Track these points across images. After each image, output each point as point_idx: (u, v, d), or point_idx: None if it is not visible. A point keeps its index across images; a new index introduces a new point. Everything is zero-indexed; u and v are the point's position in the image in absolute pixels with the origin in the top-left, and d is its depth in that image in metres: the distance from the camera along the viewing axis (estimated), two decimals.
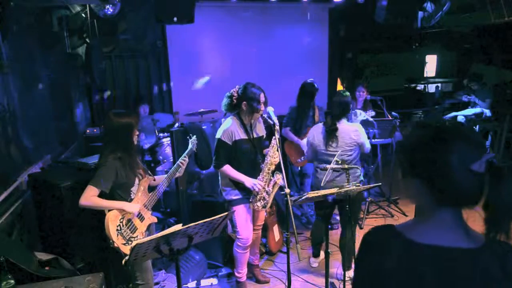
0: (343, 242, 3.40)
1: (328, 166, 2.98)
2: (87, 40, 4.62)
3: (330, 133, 3.23)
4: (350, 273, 3.30)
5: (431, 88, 8.59)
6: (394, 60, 8.19)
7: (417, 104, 7.99)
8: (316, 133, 3.36)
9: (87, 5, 4.28)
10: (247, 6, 6.24)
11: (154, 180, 2.79)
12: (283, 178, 2.77)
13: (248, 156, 3.06)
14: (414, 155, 1.02)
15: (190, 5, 4.16)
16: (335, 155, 3.14)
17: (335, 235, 3.67)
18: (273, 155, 2.97)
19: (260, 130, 3.20)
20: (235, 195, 3.09)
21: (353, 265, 3.34)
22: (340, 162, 2.97)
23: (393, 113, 5.07)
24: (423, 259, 0.97)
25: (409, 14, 4.98)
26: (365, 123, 4.33)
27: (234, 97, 3.01)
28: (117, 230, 2.42)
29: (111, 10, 4.24)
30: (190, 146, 2.91)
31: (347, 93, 3.34)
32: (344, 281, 2.96)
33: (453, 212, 1.01)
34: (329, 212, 3.55)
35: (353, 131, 3.21)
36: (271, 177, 3.04)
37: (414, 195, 1.05)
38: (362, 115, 3.46)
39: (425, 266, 0.97)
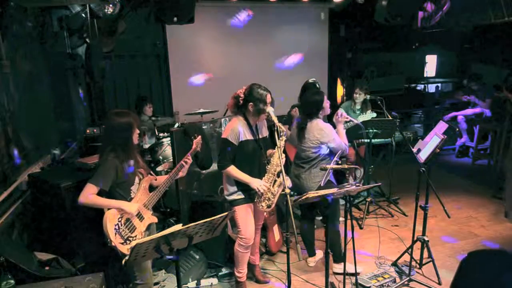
0: (326, 239, 3.43)
1: (328, 166, 2.98)
2: (87, 40, 4.61)
3: (299, 130, 3.45)
4: (348, 270, 3.28)
5: (431, 88, 8.58)
6: (394, 60, 8.18)
7: (417, 104, 7.99)
8: (293, 128, 3.61)
9: (87, 5, 4.27)
10: (247, 6, 6.24)
11: (156, 179, 2.79)
12: (284, 179, 2.76)
13: (253, 156, 3.05)
14: None
15: (190, 5, 4.16)
16: (304, 149, 3.39)
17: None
18: (278, 156, 2.95)
19: (265, 131, 3.21)
20: (237, 195, 3.09)
21: (350, 265, 3.33)
22: (339, 162, 2.97)
23: (393, 113, 5.06)
24: None
25: (409, 14, 4.97)
26: (353, 127, 4.25)
27: (240, 98, 3.00)
28: (115, 229, 2.42)
29: (111, 10, 4.24)
30: (194, 146, 2.90)
31: (321, 92, 3.51)
32: (344, 281, 2.96)
33: None
34: (310, 213, 3.70)
35: (317, 130, 3.32)
36: (276, 178, 3.04)
37: None
38: (343, 116, 3.39)
39: None
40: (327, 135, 3.30)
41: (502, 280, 0.83)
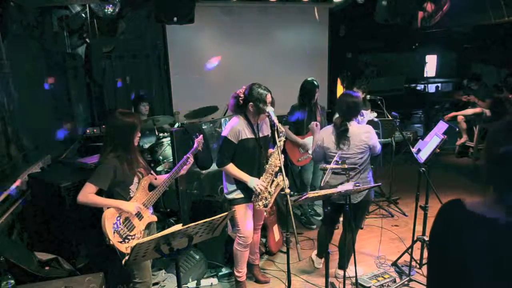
0: (342, 243, 3.40)
1: (327, 166, 2.97)
2: (87, 40, 4.62)
3: (341, 135, 3.12)
4: (349, 272, 3.30)
5: (431, 88, 8.60)
6: (394, 60, 8.19)
7: (417, 104, 8.00)
8: (325, 135, 3.23)
9: (87, 5, 4.28)
10: (247, 6, 6.24)
11: (156, 179, 2.79)
12: (283, 179, 2.76)
13: (253, 155, 3.06)
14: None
15: (190, 5, 4.16)
16: (347, 157, 3.07)
17: (336, 234, 3.67)
18: (277, 156, 2.96)
19: (266, 130, 3.20)
20: (237, 194, 3.09)
21: (350, 266, 3.34)
22: (340, 162, 2.97)
23: (393, 113, 5.06)
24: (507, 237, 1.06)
25: (409, 14, 4.98)
26: (370, 124, 4.30)
27: (240, 98, 3.00)
28: (114, 228, 2.42)
29: (111, 10, 4.24)
30: (196, 144, 2.90)
31: (358, 94, 3.27)
32: (344, 281, 2.96)
33: None
34: (335, 215, 3.53)
35: (364, 133, 3.13)
36: (274, 178, 3.04)
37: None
38: (368, 115, 3.47)
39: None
40: (374, 136, 3.16)
41: (457, 222, 1.12)
